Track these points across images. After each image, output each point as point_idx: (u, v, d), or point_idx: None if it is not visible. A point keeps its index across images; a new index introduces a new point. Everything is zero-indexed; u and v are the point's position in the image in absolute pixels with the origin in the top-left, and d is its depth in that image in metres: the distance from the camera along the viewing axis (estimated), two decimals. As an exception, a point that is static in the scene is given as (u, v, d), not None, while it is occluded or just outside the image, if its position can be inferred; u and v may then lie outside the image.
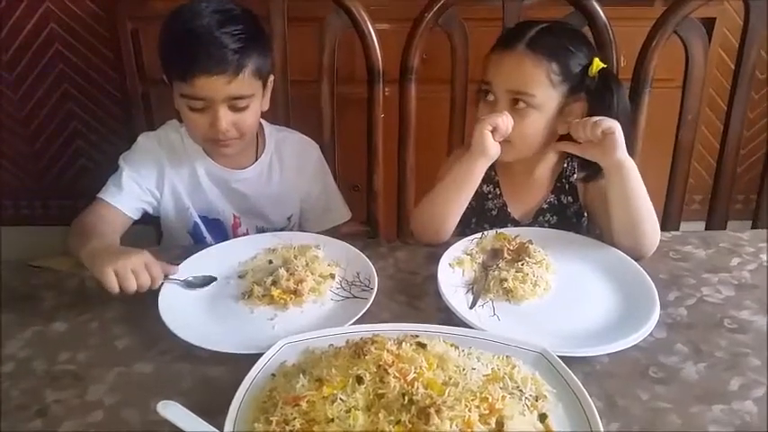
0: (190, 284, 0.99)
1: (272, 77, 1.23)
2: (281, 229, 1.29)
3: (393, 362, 0.71)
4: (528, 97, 1.09)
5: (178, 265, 1.02)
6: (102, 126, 2.24)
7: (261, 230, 1.30)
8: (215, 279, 1.00)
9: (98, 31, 2.10)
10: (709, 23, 1.43)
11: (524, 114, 1.10)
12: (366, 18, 1.34)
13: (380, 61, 1.35)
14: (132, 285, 0.93)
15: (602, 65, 1.11)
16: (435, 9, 1.33)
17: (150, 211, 1.24)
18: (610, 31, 1.35)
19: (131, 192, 1.19)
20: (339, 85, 1.42)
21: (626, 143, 1.04)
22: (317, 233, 1.19)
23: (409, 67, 1.36)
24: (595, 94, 1.11)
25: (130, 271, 0.93)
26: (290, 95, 1.43)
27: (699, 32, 1.36)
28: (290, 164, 1.30)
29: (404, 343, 0.75)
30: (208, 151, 1.23)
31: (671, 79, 1.59)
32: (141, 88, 1.84)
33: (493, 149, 1.09)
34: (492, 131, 1.07)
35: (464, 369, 0.73)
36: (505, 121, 1.07)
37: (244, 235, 1.28)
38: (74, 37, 2.11)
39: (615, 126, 1.02)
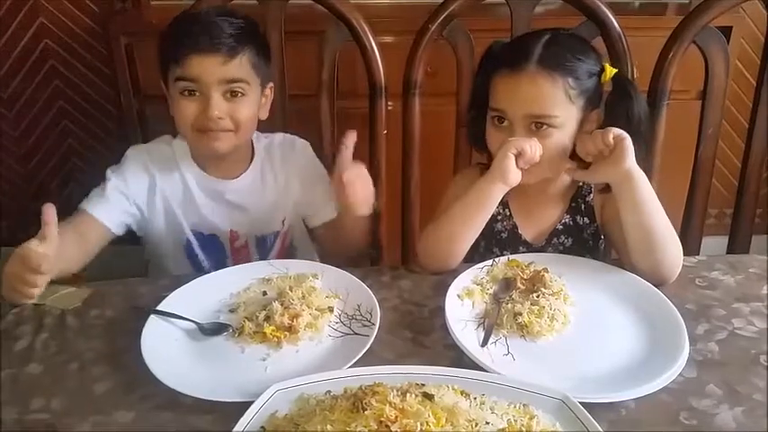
0: (203, 330, 0.90)
1: (271, 85, 1.20)
2: (277, 233, 1.24)
3: (396, 417, 0.63)
4: (550, 119, 1.01)
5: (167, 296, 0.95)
6: (99, 144, 2.18)
7: (260, 238, 1.23)
8: (229, 326, 0.90)
9: (94, 46, 2.04)
10: (724, 33, 1.36)
11: (546, 135, 1.02)
12: (367, 31, 1.29)
13: (383, 75, 1.31)
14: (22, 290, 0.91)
15: (614, 70, 1.05)
16: (440, 20, 1.28)
17: (134, 226, 1.17)
18: (624, 42, 1.29)
19: (116, 202, 1.12)
20: (340, 99, 1.37)
21: (645, 157, 0.98)
22: (321, 235, 1.22)
23: (413, 80, 1.30)
24: (611, 102, 1.05)
25: (12, 276, 0.91)
26: (287, 110, 1.38)
27: (719, 42, 1.30)
28: (281, 162, 1.24)
29: (408, 394, 0.67)
30: (197, 157, 1.17)
31: (685, 91, 1.53)
32: (137, 105, 1.80)
33: (513, 176, 1.00)
34: (516, 156, 0.99)
35: (476, 423, 0.65)
36: (533, 148, 0.99)
37: (242, 247, 1.21)
38: (69, 53, 2.05)
39: (624, 133, 0.95)
